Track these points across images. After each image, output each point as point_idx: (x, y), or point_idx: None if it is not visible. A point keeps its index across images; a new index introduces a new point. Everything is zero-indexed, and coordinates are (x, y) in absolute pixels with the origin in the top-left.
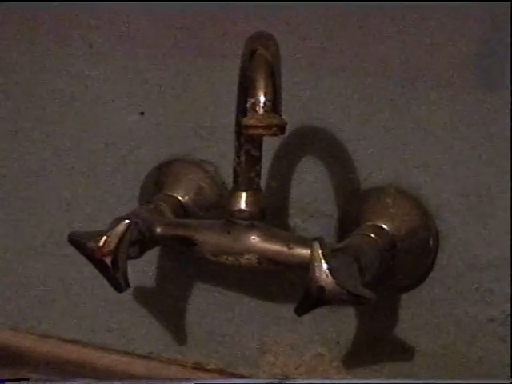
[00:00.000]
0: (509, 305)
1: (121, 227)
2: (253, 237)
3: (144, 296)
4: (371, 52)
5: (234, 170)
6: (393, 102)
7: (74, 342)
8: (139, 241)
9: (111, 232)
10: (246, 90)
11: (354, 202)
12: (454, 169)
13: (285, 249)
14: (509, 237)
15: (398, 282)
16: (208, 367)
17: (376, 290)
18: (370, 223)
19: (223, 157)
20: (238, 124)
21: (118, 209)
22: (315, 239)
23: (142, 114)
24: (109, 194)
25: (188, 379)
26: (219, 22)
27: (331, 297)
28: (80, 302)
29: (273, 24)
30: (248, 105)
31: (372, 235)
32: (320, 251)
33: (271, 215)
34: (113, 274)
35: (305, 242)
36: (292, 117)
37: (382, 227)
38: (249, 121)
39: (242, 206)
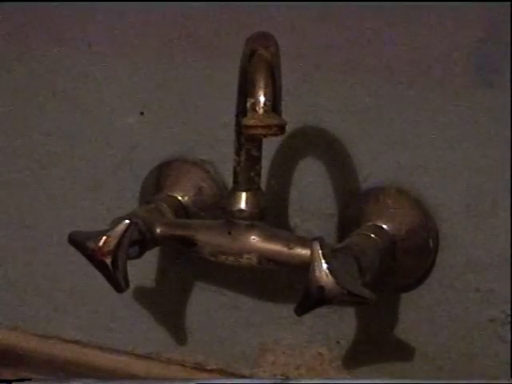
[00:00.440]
0: (509, 305)
1: (121, 227)
2: (253, 237)
3: (144, 296)
4: (371, 52)
5: (234, 170)
6: (393, 101)
7: (74, 342)
8: (139, 241)
9: (111, 232)
10: (245, 90)
11: (354, 202)
12: (454, 169)
13: (285, 249)
14: (509, 237)
15: (398, 282)
16: (208, 367)
17: (376, 290)
18: (369, 223)
19: (223, 157)
20: (238, 124)
21: (118, 209)
22: (315, 239)
23: (142, 114)
24: (109, 194)
25: (188, 379)
26: (219, 22)
27: (331, 297)
28: (80, 302)
29: (273, 24)
30: (248, 105)
31: (372, 235)
32: (320, 251)
33: (271, 215)
34: (113, 274)
35: (305, 242)
36: (292, 117)
37: (382, 227)
38: (249, 121)
39: (242, 206)
